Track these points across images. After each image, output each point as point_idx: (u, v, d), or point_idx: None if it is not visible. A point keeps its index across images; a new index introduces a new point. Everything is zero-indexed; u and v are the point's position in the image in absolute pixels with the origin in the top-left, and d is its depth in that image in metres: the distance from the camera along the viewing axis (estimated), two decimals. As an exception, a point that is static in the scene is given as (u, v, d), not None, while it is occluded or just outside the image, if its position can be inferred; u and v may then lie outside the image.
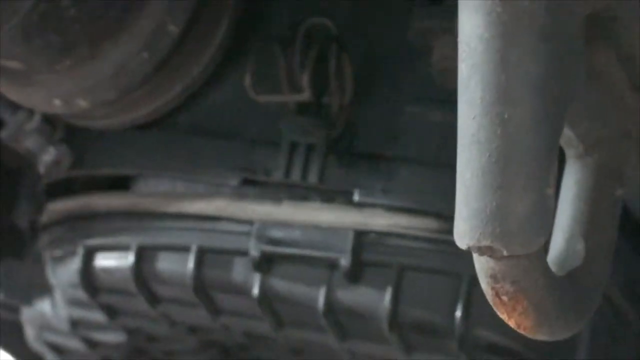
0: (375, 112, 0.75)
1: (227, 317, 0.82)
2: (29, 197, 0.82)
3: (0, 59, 0.76)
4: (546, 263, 0.56)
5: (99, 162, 0.84)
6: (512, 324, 0.57)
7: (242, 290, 0.79)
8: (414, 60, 0.74)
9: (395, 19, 0.75)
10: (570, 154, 0.62)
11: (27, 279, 0.82)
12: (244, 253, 0.79)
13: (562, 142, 0.61)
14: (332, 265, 0.77)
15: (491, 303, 0.55)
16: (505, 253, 0.52)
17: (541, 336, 0.58)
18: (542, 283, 0.56)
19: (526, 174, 0.52)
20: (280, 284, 0.79)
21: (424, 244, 0.74)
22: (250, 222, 0.79)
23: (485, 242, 0.51)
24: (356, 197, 0.75)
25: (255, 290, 0.78)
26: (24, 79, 0.78)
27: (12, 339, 0.92)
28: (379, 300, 0.77)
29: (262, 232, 0.78)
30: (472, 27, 0.51)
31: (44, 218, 0.83)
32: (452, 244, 0.69)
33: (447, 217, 0.70)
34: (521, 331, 0.57)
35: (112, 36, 0.76)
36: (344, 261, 0.77)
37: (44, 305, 0.82)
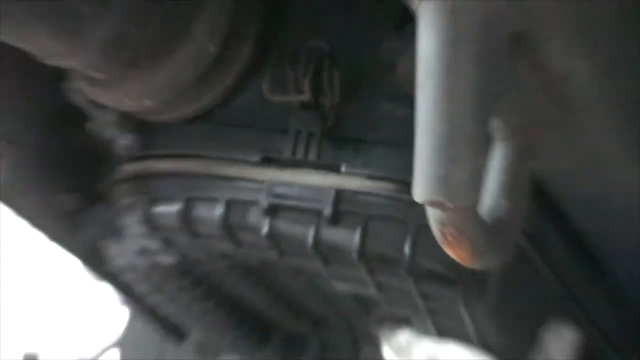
0: (358, 108, 0.75)
1: (245, 248, 0.84)
2: (109, 170, 0.79)
3: (89, 72, 0.72)
4: (479, 214, 0.59)
5: (159, 145, 0.85)
6: (454, 256, 0.60)
7: (255, 230, 0.79)
8: (386, 71, 0.73)
9: (374, 40, 0.75)
10: (496, 137, 0.65)
11: (107, 219, 0.80)
12: (256, 203, 0.78)
13: (491, 128, 0.63)
14: (319, 213, 0.78)
15: (439, 242, 0.58)
16: (449, 206, 0.54)
17: (475, 265, 0.60)
18: (476, 228, 0.59)
19: (463, 150, 0.53)
20: (282, 226, 0.79)
21: (385, 200, 0.77)
22: (262, 182, 0.79)
23: (436, 198, 0.53)
24: (342, 169, 0.77)
25: (264, 230, 0.79)
26: (106, 86, 0.79)
27: (96, 262, 0.94)
28: (351, 238, 0.77)
29: (269, 189, 0.79)
30: (428, 45, 0.52)
31: (117, 176, 0.88)
32: (404, 200, 0.75)
33: (405, 182, 0.69)
34: (460, 262, 0.60)
35: (168, 54, 0.76)
36: (327, 210, 0.77)
37: (117, 238, 0.84)
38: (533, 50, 0.58)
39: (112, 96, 0.80)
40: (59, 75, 0.79)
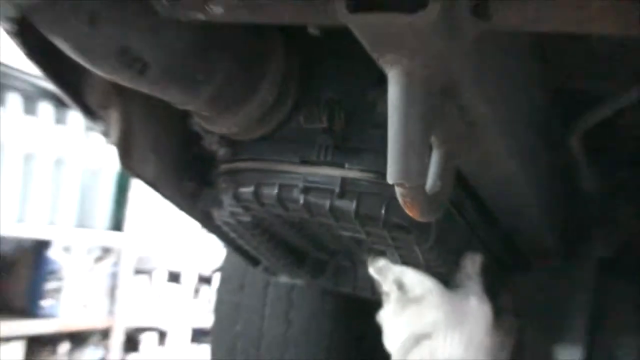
0: (355, 131, 0.77)
1: (291, 211, 0.82)
2: (214, 168, 0.83)
3: (202, 112, 0.76)
4: (424, 189, 0.60)
5: (241, 154, 0.85)
6: (411, 214, 0.63)
7: (296, 201, 0.79)
8: (371, 108, 0.76)
9: (365, 88, 0.78)
10: (434, 145, 0.65)
11: (213, 197, 0.85)
12: (297, 186, 0.79)
13: (431, 140, 0.63)
14: (332, 191, 0.77)
15: (402, 205, 0.61)
16: (407, 185, 0.56)
17: (422, 219, 0.64)
18: (423, 198, 0.61)
19: (415, 154, 0.54)
20: (311, 199, 0.78)
21: (370, 184, 0.77)
22: (300, 174, 0.79)
23: (400, 181, 0.55)
24: (346, 166, 0.77)
25: (301, 201, 0.78)
26: (211, 120, 0.80)
27: (207, 222, 0.95)
28: (350, 206, 0.77)
29: (304, 178, 0.79)
30: (393, 93, 0.52)
31: (218, 172, 0.87)
32: (381, 183, 0.74)
33: (382, 173, 0.72)
34: (414, 217, 0.61)
35: (245, 102, 0.76)
36: (337, 190, 0.77)
37: (219, 207, 0.84)
38: (454, 97, 0.61)
39: (214, 126, 0.82)
40: (186, 112, 0.81)
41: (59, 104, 3.17)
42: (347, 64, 0.81)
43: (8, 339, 2.85)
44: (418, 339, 0.88)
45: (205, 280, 4.33)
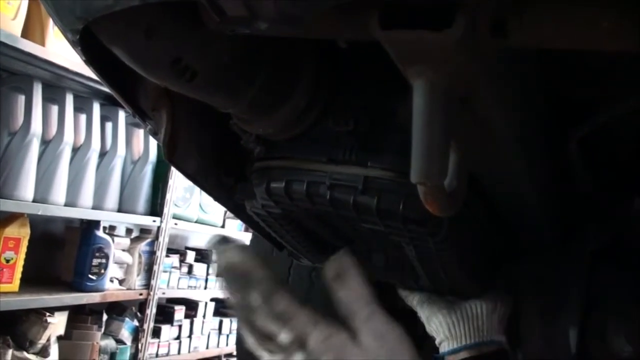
0: (378, 134, 0.76)
1: (317, 205, 0.80)
2: (250, 164, 0.82)
3: (241, 115, 0.76)
4: (444, 187, 0.59)
5: (274, 152, 0.83)
6: (430, 210, 0.61)
7: (323, 196, 0.77)
8: (394, 114, 0.75)
9: (388, 96, 0.76)
10: (452, 148, 0.62)
11: (248, 190, 0.84)
12: (324, 183, 0.77)
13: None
14: (355, 188, 0.75)
15: (423, 202, 0.60)
16: (428, 184, 0.56)
17: (441, 214, 0.63)
18: (442, 195, 0.60)
19: (437, 156, 0.53)
20: (336, 195, 0.77)
21: (390, 181, 0.74)
22: (326, 172, 0.77)
23: (421, 180, 0.53)
24: (368, 164, 0.76)
25: (328, 197, 0.77)
26: (248, 122, 0.79)
27: (241, 212, 0.94)
28: (372, 202, 0.75)
29: (331, 175, 0.77)
30: (417, 102, 0.51)
31: (253, 168, 0.84)
32: (400, 181, 0.73)
33: (401, 172, 0.71)
34: (433, 213, 0.60)
35: (280, 107, 0.75)
36: (359, 187, 0.75)
37: (252, 200, 0.84)
38: (471, 104, 0.59)
39: (251, 127, 0.81)
40: (226, 114, 0.79)
41: (106, 103, 3.21)
42: (372, 74, 0.78)
43: (53, 309, 2.90)
44: None
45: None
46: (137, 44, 0.58)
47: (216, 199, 0.96)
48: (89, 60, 0.71)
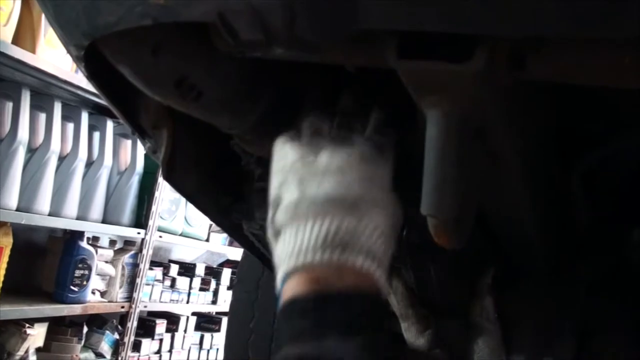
0: None
1: None
2: (250, 184, 0.81)
3: (242, 136, 0.73)
4: (455, 220, 0.57)
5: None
6: (439, 242, 0.59)
7: None
8: None
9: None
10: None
11: (245, 210, 0.83)
12: None
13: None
14: None
15: (433, 234, 0.59)
16: (439, 217, 0.55)
17: (451, 247, 0.61)
18: (453, 228, 0.58)
19: (449, 189, 0.52)
20: None
21: None
22: None
23: (432, 213, 0.54)
24: None
25: None
26: (250, 142, 0.76)
27: (235, 232, 0.93)
28: None
29: None
30: (431, 130, 0.51)
31: (253, 188, 0.82)
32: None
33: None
34: (443, 245, 0.58)
35: (283, 130, 0.72)
36: None
37: (249, 219, 0.82)
38: (484, 136, 0.58)
39: (253, 147, 0.79)
40: (227, 134, 0.78)
41: (95, 112, 3.17)
42: (378, 99, 0.79)
43: (33, 320, 2.82)
44: None
45: (212, 273, 4.34)
46: (143, 61, 0.57)
47: (212, 218, 0.94)
48: (91, 76, 0.70)
